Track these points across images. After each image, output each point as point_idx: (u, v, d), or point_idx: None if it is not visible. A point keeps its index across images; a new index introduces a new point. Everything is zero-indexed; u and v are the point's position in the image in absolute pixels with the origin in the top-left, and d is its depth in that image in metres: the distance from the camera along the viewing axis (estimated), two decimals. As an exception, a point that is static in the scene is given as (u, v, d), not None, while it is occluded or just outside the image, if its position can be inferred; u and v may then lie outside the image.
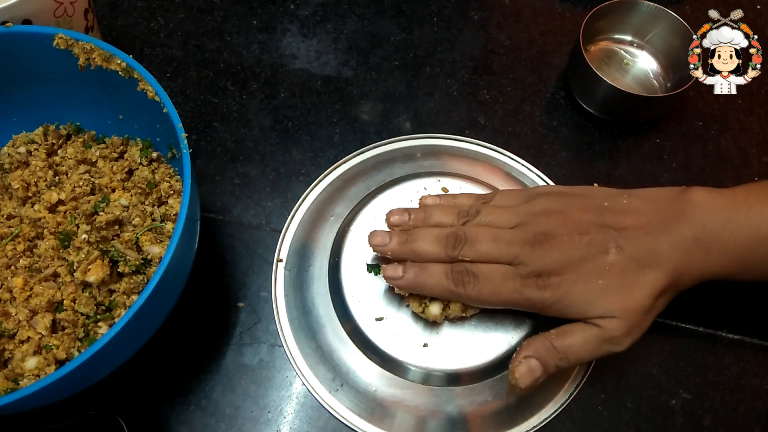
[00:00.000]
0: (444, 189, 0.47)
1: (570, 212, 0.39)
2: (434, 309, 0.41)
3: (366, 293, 0.44)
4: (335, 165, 0.51)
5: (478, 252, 0.39)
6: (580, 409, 0.43)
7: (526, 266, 0.38)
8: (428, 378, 0.42)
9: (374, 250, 0.42)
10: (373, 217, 0.46)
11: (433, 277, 0.39)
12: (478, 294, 0.38)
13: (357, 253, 0.45)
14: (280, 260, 0.47)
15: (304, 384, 0.43)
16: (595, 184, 0.43)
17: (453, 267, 0.39)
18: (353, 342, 0.43)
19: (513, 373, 0.38)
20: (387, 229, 0.43)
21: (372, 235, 0.42)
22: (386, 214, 0.43)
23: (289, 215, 0.49)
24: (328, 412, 0.42)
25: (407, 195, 0.47)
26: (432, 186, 0.48)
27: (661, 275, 0.37)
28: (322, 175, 0.51)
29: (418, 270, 0.40)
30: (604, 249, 0.37)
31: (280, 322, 0.45)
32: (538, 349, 0.38)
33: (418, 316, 0.42)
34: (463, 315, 0.41)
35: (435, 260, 0.40)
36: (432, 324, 0.43)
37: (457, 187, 0.48)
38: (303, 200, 0.50)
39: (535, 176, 0.51)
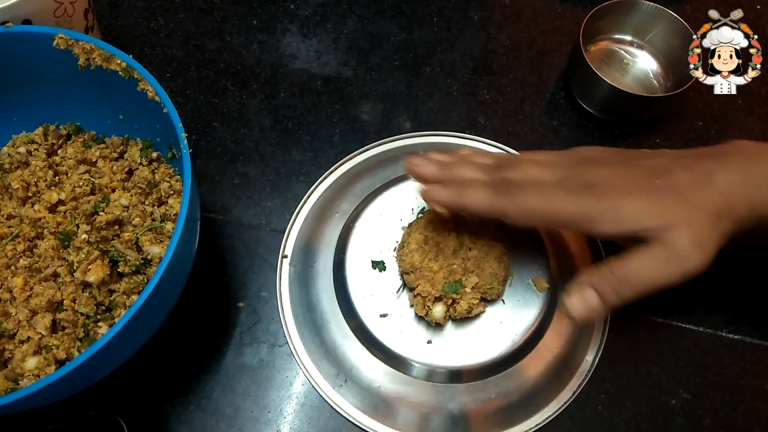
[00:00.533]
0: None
1: (615, 163, 0.37)
2: (437, 311, 0.41)
3: (371, 290, 0.44)
4: (339, 162, 0.51)
5: (525, 174, 0.36)
6: (580, 408, 0.43)
7: (576, 180, 0.35)
8: (432, 375, 0.42)
9: (412, 173, 0.39)
10: (378, 214, 0.47)
11: (476, 191, 0.37)
12: (527, 204, 0.35)
13: (362, 249, 0.45)
14: (285, 256, 0.47)
15: (308, 380, 0.43)
16: None
17: (500, 179, 0.37)
18: (357, 338, 0.43)
19: (565, 302, 0.34)
20: (389, 227, 0.43)
21: (409, 160, 0.39)
22: (417, 161, 0.40)
23: (289, 215, 0.49)
24: (332, 407, 0.42)
25: (412, 192, 0.47)
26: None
27: (717, 194, 0.34)
28: (327, 172, 0.51)
29: (461, 187, 0.37)
30: (657, 171, 0.35)
31: (284, 319, 0.45)
32: (594, 276, 0.34)
33: None
34: (468, 315, 0.41)
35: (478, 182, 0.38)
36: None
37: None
38: (307, 198, 0.50)
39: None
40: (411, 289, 0.43)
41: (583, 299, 0.34)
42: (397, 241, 0.46)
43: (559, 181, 0.35)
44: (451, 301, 0.41)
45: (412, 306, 0.43)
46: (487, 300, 0.43)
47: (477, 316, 0.43)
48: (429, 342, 0.42)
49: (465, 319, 0.43)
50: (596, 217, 0.34)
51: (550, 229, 0.43)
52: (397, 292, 0.44)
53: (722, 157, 0.36)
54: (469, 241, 0.43)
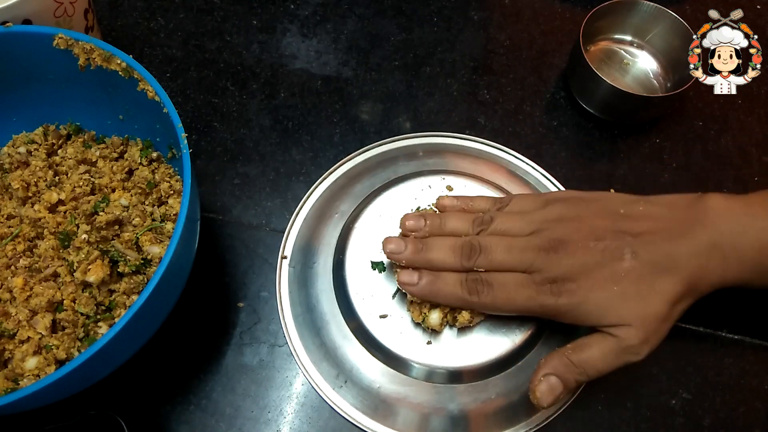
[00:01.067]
0: (449, 187, 0.48)
1: (585, 218, 0.39)
2: (434, 318, 0.41)
3: (370, 290, 0.44)
4: (339, 163, 0.51)
5: (493, 262, 0.39)
6: (580, 408, 0.43)
7: (540, 273, 0.38)
8: (431, 375, 0.42)
9: (388, 257, 0.42)
10: (378, 215, 0.47)
11: (447, 286, 0.39)
12: (493, 302, 0.39)
13: (361, 250, 0.45)
14: (285, 257, 0.47)
15: (307, 380, 0.43)
16: (612, 190, 0.43)
17: (467, 276, 0.39)
18: (357, 339, 0.43)
19: (534, 392, 0.38)
20: (388, 228, 0.43)
21: (387, 241, 0.42)
22: (401, 219, 0.43)
23: (289, 215, 0.49)
24: (332, 408, 0.42)
25: (412, 193, 0.47)
26: (436, 184, 0.48)
27: (678, 281, 0.37)
28: (326, 173, 0.51)
29: (433, 278, 0.40)
30: (620, 255, 0.37)
31: (284, 319, 0.45)
32: (556, 366, 0.37)
33: None
34: (469, 325, 0.41)
35: (450, 269, 0.40)
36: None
37: (461, 185, 0.48)
38: (307, 198, 0.50)
39: (539, 174, 0.51)
40: (405, 294, 0.43)
41: (550, 388, 0.37)
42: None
43: (529, 265, 0.38)
44: (449, 309, 0.41)
45: (409, 311, 0.43)
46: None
47: (477, 325, 0.43)
48: (429, 343, 0.42)
49: (464, 326, 0.42)
50: (558, 314, 0.38)
51: None
52: (393, 296, 0.44)
53: (690, 231, 0.38)
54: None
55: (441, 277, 0.40)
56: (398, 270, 0.41)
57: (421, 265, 0.41)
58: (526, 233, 0.39)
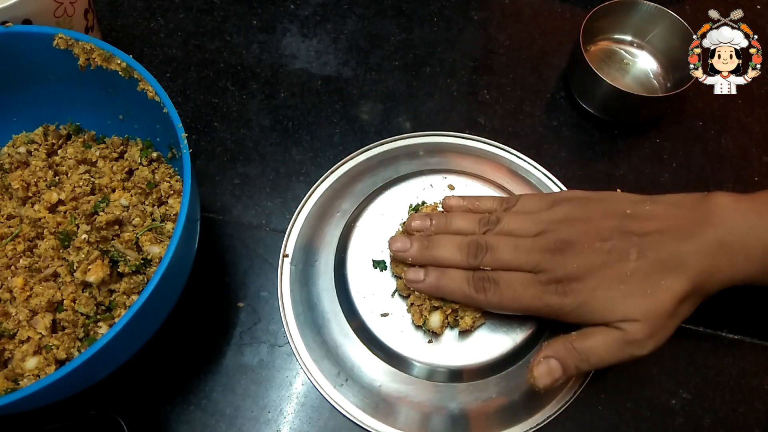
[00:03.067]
0: (450, 186, 0.47)
1: (592, 219, 0.39)
2: (434, 320, 0.41)
3: (372, 289, 0.44)
4: (340, 162, 0.51)
5: (500, 260, 0.39)
6: (580, 408, 0.43)
7: (546, 273, 0.38)
8: (432, 374, 0.42)
9: (394, 256, 0.42)
10: (380, 214, 0.47)
11: (453, 282, 0.40)
12: (499, 300, 0.39)
13: (363, 249, 0.45)
14: (286, 255, 0.47)
15: (308, 378, 0.43)
16: (618, 190, 0.43)
17: (474, 273, 0.39)
18: (358, 337, 0.43)
19: (531, 371, 0.38)
20: (390, 226, 0.43)
21: (392, 240, 0.42)
22: (407, 220, 0.43)
23: (289, 215, 0.49)
24: (332, 407, 0.42)
25: (413, 192, 0.47)
26: (438, 183, 0.48)
27: (685, 280, 0.37)
28: (328, 172, 0.51)
29: (440, 274, 0.40)
30: (626, 254, 0.37)
31: (285, 317, 0.45)
32: (558, 350, 0.38)
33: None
34: (469, 328, 0.41)
35: (456, 267, 0.40)
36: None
37: (463, 184, 0.48)
38: (309, 196, 0.50)
39: (540, 174, 0.51)
40: (402, 296, 0.43)
41: (548, 370, 0.38)
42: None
43: (535, 265, 0.38)
44: (450, 310, 0.41)
45: (409, 313, 0.43)
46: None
47: (479, 328, 0.43)
48: (430, 341, 0.42)
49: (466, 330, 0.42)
50: (563, 314, 0.38)
51: None
52: (392, 295, 0.44)
53: (697, 230, 0.37)
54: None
55: (447, 273, 0.40)
56: (405, 269, 0.42)
57: (427, 262, 0.41)
58: (533, 234, 0.39)
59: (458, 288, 0.39)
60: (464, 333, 0.42)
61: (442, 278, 0.40)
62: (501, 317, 0.43)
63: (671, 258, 0.37)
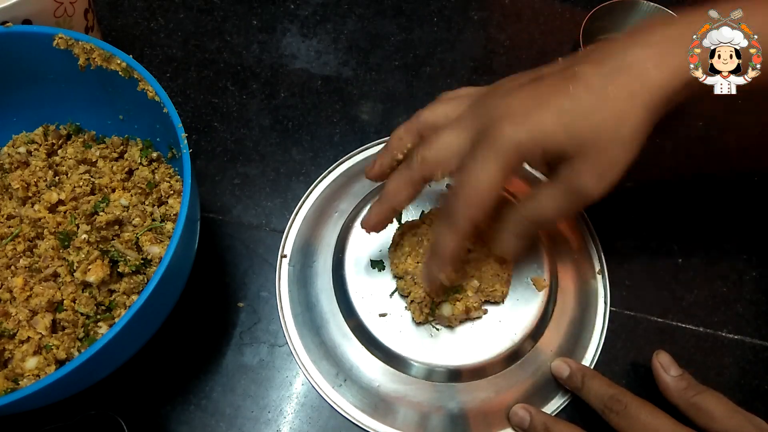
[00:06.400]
0: (449, 186, 0.47)
1: (512, 81, 0.37)
2: (446, 309, 0.41)
3: (370, 289, 0.44)
4: (338, 162, 0.51)
5: (432, 147, 0.36)
6: (579, 408, 0.43)
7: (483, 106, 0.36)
8: (431, 374, 0.42)
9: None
10: None
11: (389, 181, 0.38)
12: (429, 159, 0.36)
13: (361, 249, 0.45)
14: (284, 256, 0.47)
15: (307, 379, 0.43)
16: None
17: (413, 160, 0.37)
18: (357, 338, 0.43)
19: (496, 242, 0.39)
20: (389, 226, 0.43)
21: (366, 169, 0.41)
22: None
23: (289, 215, 0.49)
24: (332, 407, 0.42)
25: None
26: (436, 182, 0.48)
27: (633, 80, 0.33)
28: (326, 171, 0.51)
29: (384, 197, 0.39)
30: (565, 75, 0.34)
31: (284, 318, 0.45)
32: (511, 222, 0.37)
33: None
34: (467, 317, 0.41)
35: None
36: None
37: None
38: (306, 197, 0.50)
39: (539, 173, 0.51)
40: (403, 296, 0.43)
41: (509, 242, 0.38)
42: (395, 241, 0.45)
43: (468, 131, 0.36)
44: (455, 302, 0.41)
45: (409, 310, 0.43)
46: (492, 302, 0.43)
47: (478, 319, 0.43)
48: (428, 341, 0.42)
49: (464, 319, 0.43)
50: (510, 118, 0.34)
51: None
52: (391, 296, 0.44)
53: (634, 34, 0.34)
54: (468, 242, 0.42)
55: (393, 191, 0.38)
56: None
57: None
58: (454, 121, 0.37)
59: (398, 178, 0.38)
60: (463, 331, 0.42)
61: (386, 186, 0.38)
62: (498, 315, 0.43)
63: (615, 62, 0.33)
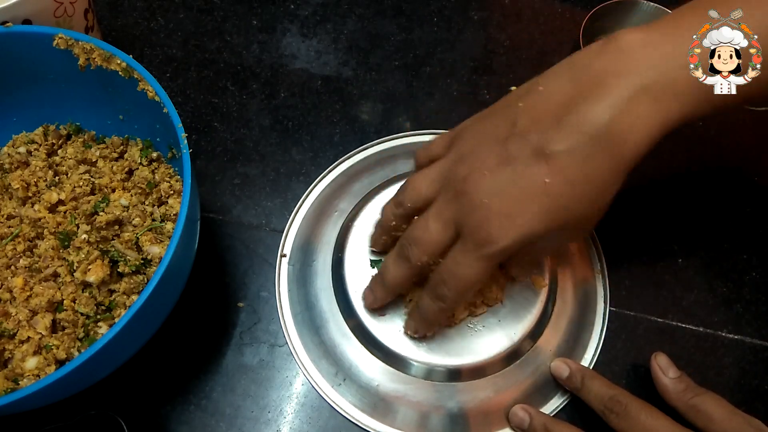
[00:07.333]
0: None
1: (481, 144, 0.36)
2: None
3: None
4: (338, 162, 0.51)
5: (420, 243, 0.38)
6: (578, 408, 0.43)
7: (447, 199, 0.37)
8: (430, 373, 0.42)
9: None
10: (377, 213, 0.47)
11: (388, 269, 0.40)
12: (419, 254, 0.37)
13: (360, 248, 0.45)
14: (284, 255, 0.47)
15: (306, 378, 0.43)
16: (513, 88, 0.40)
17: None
18: (356, 337, 0.43)
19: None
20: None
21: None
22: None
23: (289, 215, 0.49)
24: (331, 406, 0.42)
25: None
26: None
27: (600, 151, 0.33)
28: (326, 171, 0.51)
29: (379, 276, 0.42)
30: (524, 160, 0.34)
31: (283, 317, 0.45)
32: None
33: None
34: (464, 317, 0.42)
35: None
36: None
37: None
38: (306, 197, 0.50)
39: None
40: (401, 294, 0.43)
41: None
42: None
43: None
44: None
45: (407, 308, 0.43)
46: (488, 305, 0.43)
47: (478, 317, 0.43)
48: (428, 341, 0.42)
49: (463, 319, 0.43)
50: (464, 223, 0.36)
51: None
52: None
53: (603, 85, 0.33)
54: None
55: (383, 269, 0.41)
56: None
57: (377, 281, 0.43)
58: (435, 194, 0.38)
59: (392, 265, 0.40)
60: (462, 330, 0.42)
61: (382, 274, 0.41)
62: (498, 315, 0.43)
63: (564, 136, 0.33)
